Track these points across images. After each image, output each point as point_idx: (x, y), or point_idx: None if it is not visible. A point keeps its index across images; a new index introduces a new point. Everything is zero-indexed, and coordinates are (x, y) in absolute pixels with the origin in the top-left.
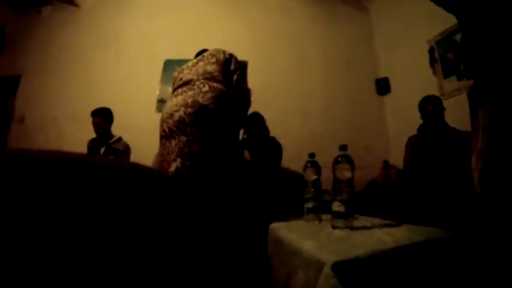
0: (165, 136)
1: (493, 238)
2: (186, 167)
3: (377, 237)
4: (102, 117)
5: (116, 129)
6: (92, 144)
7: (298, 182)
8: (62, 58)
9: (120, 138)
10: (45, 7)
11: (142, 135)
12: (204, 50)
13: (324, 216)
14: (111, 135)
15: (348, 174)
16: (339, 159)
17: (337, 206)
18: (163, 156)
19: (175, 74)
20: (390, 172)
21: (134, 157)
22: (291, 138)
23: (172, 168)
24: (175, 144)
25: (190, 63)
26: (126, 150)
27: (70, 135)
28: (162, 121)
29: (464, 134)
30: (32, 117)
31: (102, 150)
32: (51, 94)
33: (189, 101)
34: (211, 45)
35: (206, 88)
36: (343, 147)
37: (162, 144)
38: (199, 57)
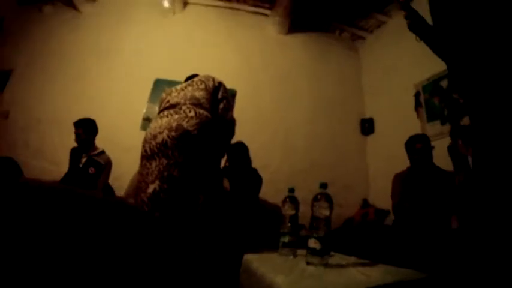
0: (146, 157)
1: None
2: (164, 190)
3: (350, 276)
4: (82, 128)
5: (98, 141)
6: (74, 153)
7: (274, 215)
8: (54, 60)
9: (102, 152)
10: (46, 6)
11: (124, 151)
12: (195, 75)
13: (299, 251)
14: (93, 147)
15: (325, 212)
16: (318, 196)
17: (313, 243)
18: (142, 177)
19: (164, 95)
20: (368, 211)
21: (115, 172)
22: (270, 171)
23: (150, 190)
24: (156, 166)
25: (179, 87)
26: (107, 164)
27: (51, 140)
28: (145, 141)
29: (450, 174)
30: (16, 116)
31: (84, 160)
32: (38, 94)
33: (174, 124)
34: (202, 71)
35: (192, 114)
36: (323, 185)
37: (142, 164)
38: (189, 81)
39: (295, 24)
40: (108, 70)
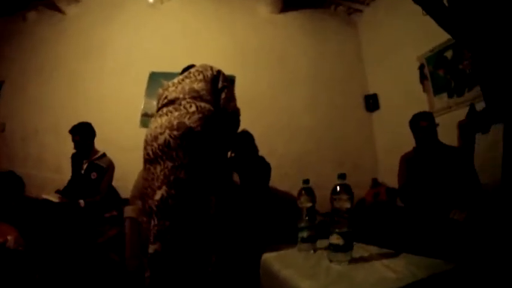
0: (149, 160)
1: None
2: (172, 196)
3: (378, 273)
4: (79, 134)
5: (98, 143)
6: (74, 160)
7: (284, 202)
8: (45, 66)
9: (104, 155)
10: (30, 13)
11: (124, 150)
12: (191, 66)
13: (319, 242)
14: (94, 151)
15: (346, 205)
16: (338, 188)
17: (335, 239)
18: (147, 182)
19: (160, 91)
20: (379, 190)
21: (117, 172)
22: (277, 156)
23: (158, 197)
24: (161, 171)
25: (176, 80)
26: (109, 167)
27: (51, 148)
28: (146, 143)
29: (456, 150)
30: (13, 127)
31: (85, 166)
32: (33, 103)
33: (175, 122)
34: (198, 60)
35: (193, 108)
36: (342, 176)
37: (146, 169)
38: (186, 73)
39: (288, 2)
40: (101, 69)
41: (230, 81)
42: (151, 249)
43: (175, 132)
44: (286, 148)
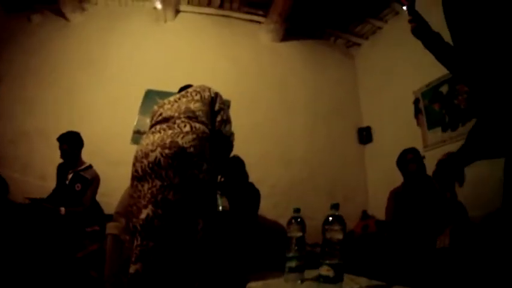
0: (138, 178)
1: None
2: (158, 216)
3: None
4: (67, 143)
5: (86, 154)
6: (60, 169)
7: (273, 231)
8: (42, 70)
9: (90, 166)
10: (35, 15)
11: (113, 165)
12: (189, 86)
13: (306, 272)
14: (80, 161)
15: (338, 236)
16: (330, 219)
17: (325, 270)
18: (133, 200)
19: (155, 108)
20: (369, 223)
21: (104, 188)
22: (269, 185)
23: (143, 216)
24: (148, 189)
25: (172, 98)
26: (94, 179)
27: (40, 153)
28: (136, 160)
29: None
30: (3, 129)
31: (70, 176)
32: (26, 106)
33: (168, 141)
34: (196, 81)
35: (187, 128)
36: (335, 206)
37: (133, 186)
38: (183, 92)
39: (290, 31)
40: (98, 80)
41: (227, 106)
42: (132, 269)
43: (166, 151)
44: (278, 176)
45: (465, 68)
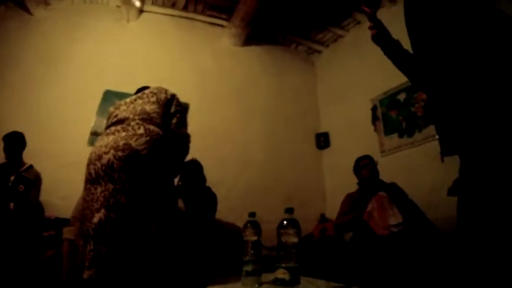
0: (91, 180)
1: None
2: (110, 220)
3: None
4: (14, 145)
5: (40, 156)
6: (2, 171)
7: (230, 234)
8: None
9: (31, 166)
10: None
11: (69, 167)
12: (146, 87)
13: (264, 276)
14: (21, 163)
15: (293, 239)
16: (284, 223)
17: (281, 274)
18: (86, 203)
19: (111, 109)
20: (327, 226)
21: (61, 190)
22: (225, 188)
23: (96, 220)
24: (101, 192)
25: (128, 100)
26: (37, 179)
27: None
28: (89, 162)
29: (395, 186)
30: None
31: (13, 178)
32: None
33: (121, 143)
34: (154, 83)
35: (141, 131)
36: (290, 210)
37: (86, 189)
38: (139, 94)
39: (252, 36)
40: (57, 78)
41: (184, 109)
42: (86, 274)
43: (120, 153)
44: (235, 180)
45: (424, 74)
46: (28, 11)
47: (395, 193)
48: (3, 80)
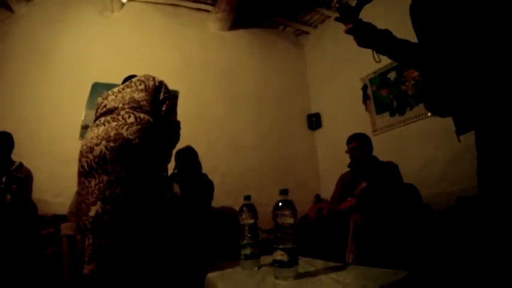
0: (84, 174)
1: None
2: (107, 212)
3: (327, 287)
4: (2, 146)
5: (33, 154)
6: None
7: (227, 219)
8: None
9: (20, 164)
10: None
11: (62, 163)
12: (133, 76)
13: (263, 259)
14: (10, 162)
15: (289, 220)
16: (280, 204)
17: (279, 255)
18: (81, 197)
19: (100, 99)
20: (322, 206)
21: (56, 187)
22: (220, 174)
23: (92, 213)
24: (96, 185)
25: (116, 89)
26: (28, 176)
27: None
28: (81, 155)
29: (391, 166)
30: None
31: (4, 179)
32: None
33: (112, 133)
34: (142, 71)
35: (132, 119)
36: (284, 191)
37: (80, 182)
38: (127, 82)
39: (238, 20)
40: (43, 74)
41: (174, 96)
42: (86, 269)
43: (111, 144)
44: (229, 165)
45: (433, 57)
46: (9, 9)
47: (387, 175)
48: None
